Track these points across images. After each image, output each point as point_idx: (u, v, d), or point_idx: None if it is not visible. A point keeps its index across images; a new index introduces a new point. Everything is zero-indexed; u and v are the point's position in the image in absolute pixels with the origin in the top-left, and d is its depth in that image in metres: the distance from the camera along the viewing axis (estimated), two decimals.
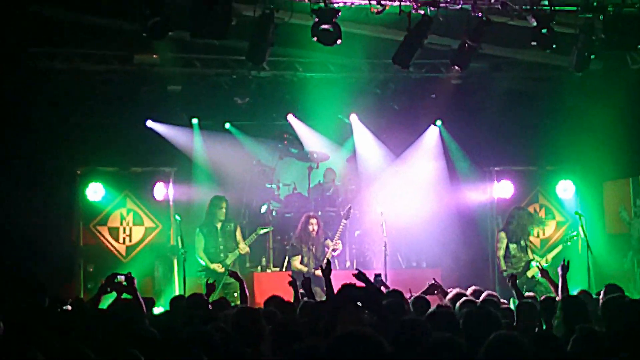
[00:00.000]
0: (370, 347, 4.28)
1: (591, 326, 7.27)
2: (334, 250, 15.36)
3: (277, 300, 9.51)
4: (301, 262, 15.21)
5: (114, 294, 9.32)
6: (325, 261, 13.77)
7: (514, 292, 11.08)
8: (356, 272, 8.07)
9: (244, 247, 15.78)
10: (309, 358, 4.57)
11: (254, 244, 16.30)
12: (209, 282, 10.72)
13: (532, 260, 15.77)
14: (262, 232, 15.99)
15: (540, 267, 12.53)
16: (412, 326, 5.83)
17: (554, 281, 10.99)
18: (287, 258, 16.08)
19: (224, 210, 15.79)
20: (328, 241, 15.57)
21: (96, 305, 9.33)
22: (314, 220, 15.37)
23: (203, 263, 15.54)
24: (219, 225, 15.76)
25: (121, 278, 9.60)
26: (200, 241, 15.62)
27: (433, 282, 11.19)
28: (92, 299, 9.54)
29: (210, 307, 9.44)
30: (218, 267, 15.48)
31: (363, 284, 7.40)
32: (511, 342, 4.83)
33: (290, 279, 10.67)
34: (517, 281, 15.17)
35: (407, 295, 9.96)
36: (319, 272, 14.61)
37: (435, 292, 11.03)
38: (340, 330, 4.50)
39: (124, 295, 9.26)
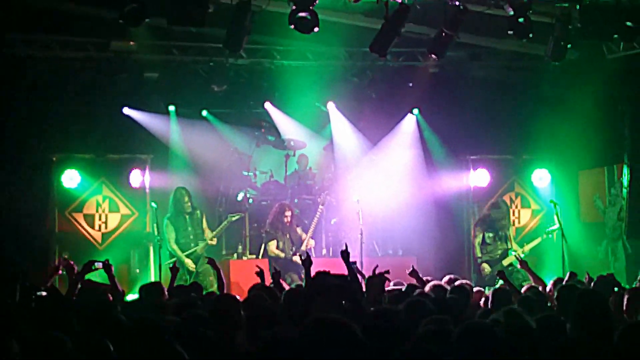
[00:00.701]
0: (341, 334, 4.29)
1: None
2: (307, 246, 15.48)
3: (257, 288, 9.49)
4: (277, 247, 15.27)
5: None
6: (305, 254, 13.95)
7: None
8: (343, 249, 8.14)
9: (212, 239, 15.86)
10: (280, 345, 4.58)
11: (230, 232, 16.33)
12: (170, 266, 10.69)
13: (510, 249, 15.87)
14: (233, 218, 15.98)
15: (519, 257, 12.53)
16: (385, 315, 5.85)
17: (533, 272, 11.06)
18: (263, 245, 16.11)
19: (188, 202, 15.79)
20: (303, 234, 15.64)
21: (73, 292, 9.32)
22: (288, 213, 15.44)
23: (174, 256, 15.53)
24: (186, 216, 15.76)
25: (98, 265, 9.60)
26: (171, 232, 15.63)
27: (412, 269, 11.17)
28: (70, 286, 9.51)
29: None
30: (190, 264, 15.51)
31: (343, 268, 7.45)
32: (483, 330, 4.83)
33: (258, 269, 10.63)
34: (492, 268, 15.38)
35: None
36: (296, 258, 14.68)
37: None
38: (312, 317, 4.51)
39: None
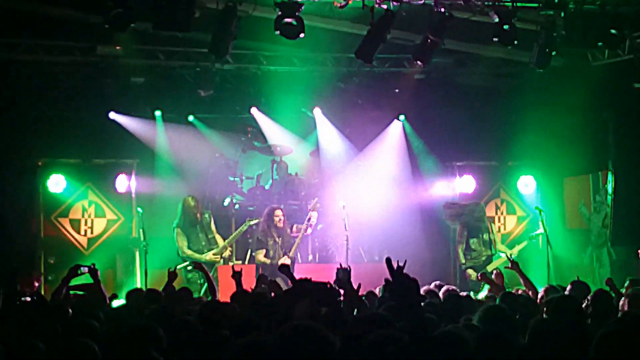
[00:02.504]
0: (317, 341, 4.29)
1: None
2: (309, 225, 15.34)
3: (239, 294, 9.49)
4: (265, 256, 15.13)
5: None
6: (286, 258, 13.98)
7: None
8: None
9: (227, 248, 15.61)
10: (255, 352, 4.58)
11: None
12: (170, 270, 10.65)
13: (494, 254, 15.92)
14: (252, 222, 15.61)
15: (510, 258, 12.18)
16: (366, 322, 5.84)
17: (524, 274, 10.96)
18: (249, 251, 16.08)
19: (197, 211, 15.50)
20: (295, 225, 15.53)
21: (59, 297, 9.29)
22: (279, 212, 15.29)
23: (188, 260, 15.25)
24: (197, 225, 15.51)
25: (84, 270, 9.58)
26: (182, 240, 15.30)
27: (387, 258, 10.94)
28: (56, 291, 9.48)
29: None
30: (213, 257, 15.28)
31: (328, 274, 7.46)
32: (454, 337, 4.81)
33: (232, 272, 10.60)
34: (477, 273, 15.38)
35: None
36: (285, 260, 14.62)
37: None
38: (290, 324, 4.52)
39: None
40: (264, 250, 15.12)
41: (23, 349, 5.92)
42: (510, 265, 11.18)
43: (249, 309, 7.48)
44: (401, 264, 9.18)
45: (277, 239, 15.18)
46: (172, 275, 10.62)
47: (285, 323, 5.22)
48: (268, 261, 15.00)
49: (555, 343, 6.13)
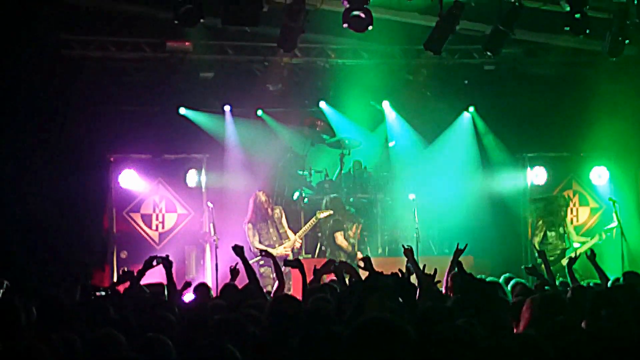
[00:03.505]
0: (392, 333, 4.25)
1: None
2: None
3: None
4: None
5: None
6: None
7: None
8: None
9: (298, 240, 15.45)
10: (328, 344, 4.56)
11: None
12: (231, 268, 10.58)
13: (568, 248, 15.75)
14: (321, 215, 15.51)
15: (588, 251, 11.88)
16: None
17: (599, 267, 10.80)
18: (318, 245, 16.14)
19: (268, 207, 15.46)
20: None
21: (135, 290, 9.34)
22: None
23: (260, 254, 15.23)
24: (268, 219, 15.45)
25: (159, 261, 9.61)
26: (253, 235, 15.21)
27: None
28: (132, 283, 9.53)
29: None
30: (284, 250, 15.24)
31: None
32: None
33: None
34: (552, 268, 15.21)
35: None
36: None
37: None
38: (363, 317, 4.47)
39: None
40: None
41: (104, 340, 5.97)
42: (588, 256, 10.99)
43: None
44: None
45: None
46: (234, 272, 10.54)
47: (358, 315, 5.22)
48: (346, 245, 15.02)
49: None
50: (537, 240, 16.01)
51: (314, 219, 15.57)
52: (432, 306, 6.23)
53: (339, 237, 15.51)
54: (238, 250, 9.85)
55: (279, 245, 15.26)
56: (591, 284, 10.23)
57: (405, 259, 10.01)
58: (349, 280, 9.06)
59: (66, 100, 16.35)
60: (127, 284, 9.50)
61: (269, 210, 15.35)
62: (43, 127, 16.11)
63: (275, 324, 6.44)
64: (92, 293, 9.80)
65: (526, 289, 9.43)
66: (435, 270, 9.40)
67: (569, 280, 10.69)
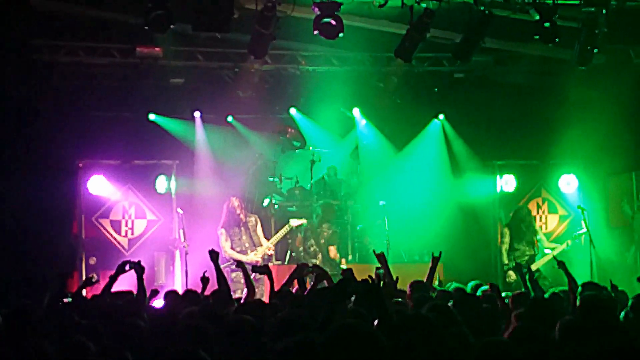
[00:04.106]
0: (366, 341, 4.26)
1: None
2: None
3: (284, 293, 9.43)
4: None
5: None
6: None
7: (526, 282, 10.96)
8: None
9: (269, 247, 15.48)
10: (303, 352, 4.55)
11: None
12: (202, 277, 10.52)
13: (536, 254, 15.86)
14: (294, 224, 15.61)
15: (557, 258, 11.97)
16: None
17: (570, 274, 10.86)
18: (289, 251, 16.11)
19: (241, 212, 15.47)
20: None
21: (105, 296, 9.29)
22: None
23: (232, 260, 15.18)
24: (241, 225, 15.47)
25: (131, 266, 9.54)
26: (225, 241, 15.26)
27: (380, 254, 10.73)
28: (105, 288, 9.47)
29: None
30: (255, 257, 15.19)
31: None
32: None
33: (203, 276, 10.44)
34: (517, 275, 15.29)
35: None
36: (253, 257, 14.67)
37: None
38: (335, 324, 4.48)
39: None
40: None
41: (74, 348, 5.93)
42: (558, 265, 11.09)
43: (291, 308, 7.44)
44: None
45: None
46: (205, 281, 10.48)
47: (330, 323, 5.21)
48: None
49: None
50: (504, 248, 16.12)
51: (286, 227, 15.57)
52: (404, 313, 6.25)
53: (333, 251, 15.52)
54: (214, 255, 9.84)
55: (251, 251, 15.23)
56: (558, 291, 10.29)
57: (375, 267, 10.08)
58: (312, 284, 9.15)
59: (35, 105, 16.25)
60: (94, 288, 9.46)
61: (242, 216, 15.33)
62: (11, 132, 16.00)
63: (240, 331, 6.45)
64: (59, 300, 9.72)
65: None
66: (397, 278, 9.58)
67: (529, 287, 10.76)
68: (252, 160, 17.38)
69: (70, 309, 8.23)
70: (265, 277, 13.57)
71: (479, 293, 10.20)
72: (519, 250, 15.96)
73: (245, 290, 10.09)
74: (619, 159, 17.13)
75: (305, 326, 6.19)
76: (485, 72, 17.63)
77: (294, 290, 9.63)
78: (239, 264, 10.96)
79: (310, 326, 6.17)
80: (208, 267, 10.55)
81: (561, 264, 11.03)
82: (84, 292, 10.59)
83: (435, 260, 10.59)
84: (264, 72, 17.37)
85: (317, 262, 15.31)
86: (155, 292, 9.77)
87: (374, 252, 10.38)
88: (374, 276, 8.71)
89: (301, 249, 16.11)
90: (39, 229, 15.87)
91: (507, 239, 16.15)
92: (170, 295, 9.94)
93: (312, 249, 15.90)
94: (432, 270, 10.52)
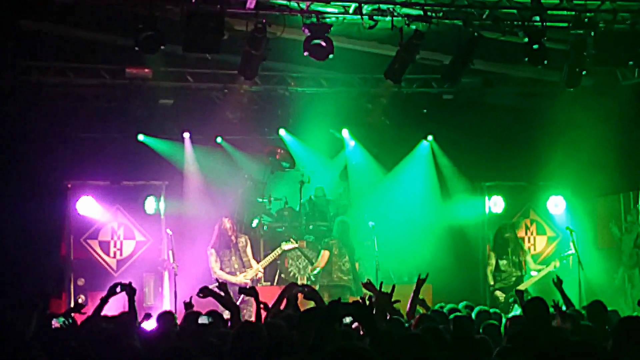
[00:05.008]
0: None
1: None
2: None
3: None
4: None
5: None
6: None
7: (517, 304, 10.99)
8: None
9: (259, 270, 15.27)
10: None
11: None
12: (185, 302, 10.41)
13: (524, 275, 15.86)
14: (285, 247, 15.44)
15: (554, 277, 11.84)
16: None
17: (565, 294, 10.88)
18: (277, 272, 16.07)
19: (232, 234, 15.38)
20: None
21: (97, 317, 9.24)
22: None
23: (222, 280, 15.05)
24: (232, 247, 15.28)
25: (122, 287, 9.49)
26: (216, 261, 15.11)
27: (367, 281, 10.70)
28: (96, 310, 9.43)
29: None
30: (244, 279, 15.08)
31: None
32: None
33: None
34: (506, 295, 15.36)
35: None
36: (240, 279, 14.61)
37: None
38: (333, 346, 4.48)
39: None
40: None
41: None
42: (555, 284, 11.05)
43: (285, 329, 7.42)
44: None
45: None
46: (188, 306, 10.36)
47: (321, 343, 5.21)
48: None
49: None
50: (490, 269, 16.14)
51: (278, 249, 15.45)
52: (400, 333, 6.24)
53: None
54: (206, 293, 9.53)
55: (240, 273, 15.16)
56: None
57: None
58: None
59: (23, 125, 16.22)
60: (85, 312, 9.41)
61: (233, 237, 15.23)
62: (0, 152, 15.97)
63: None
64: (49, 322, 9.67)
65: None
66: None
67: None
68: (241, 181, 17.38)
69: (63, 332, 8.17)
70: (252, 299, 13.63)
71: (474, 314, 10.24)
72: (505, 272, 15.94)
73: (226, 313, 9.97)
74: (607, 181, 17.16)
75: (296, 347, 6.19)
76: (474, 94, 17.69)
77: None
78: (221, 286, 10.88)
79: (300, 347, 6.17)
80: (197, 289, 10.50)
81: (558, 283, 11.01)
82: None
83: (420, 282, 10.57)
84: (253, 93, 17.38)
85: (351, 278, 15.39)
86: (148, 315, 9.71)
87: (362, 283, 10.49)
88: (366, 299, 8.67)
89: (335, 267, 15.75)
90: (27, 250, 15.79)
91: (492, 261, 16.16)
92: (165, 316, 9.88)
93: (345, 266, 15.69)
94: (416, 292, 10.52)
